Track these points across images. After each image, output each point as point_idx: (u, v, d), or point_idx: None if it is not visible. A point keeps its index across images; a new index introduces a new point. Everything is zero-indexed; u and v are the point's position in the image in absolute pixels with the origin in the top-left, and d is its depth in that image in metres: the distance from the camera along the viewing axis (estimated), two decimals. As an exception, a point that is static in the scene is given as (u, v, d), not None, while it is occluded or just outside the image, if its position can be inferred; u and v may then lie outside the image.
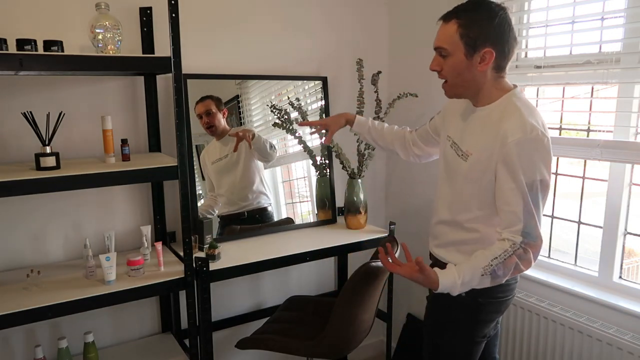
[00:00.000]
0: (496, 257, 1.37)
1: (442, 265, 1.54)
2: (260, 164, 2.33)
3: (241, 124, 2.30)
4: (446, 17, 1.43)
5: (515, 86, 1.48)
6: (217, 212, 2.24)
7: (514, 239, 1.37)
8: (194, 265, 1.85)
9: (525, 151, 1.35)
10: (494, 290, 1.48)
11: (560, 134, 2.09)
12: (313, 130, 2.14)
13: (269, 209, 2.37)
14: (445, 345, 1.61)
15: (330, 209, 2.51)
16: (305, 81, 2.45)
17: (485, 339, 1.60)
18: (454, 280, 1.40)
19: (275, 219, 2.39)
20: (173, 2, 1.65)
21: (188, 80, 2.10)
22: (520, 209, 1.36)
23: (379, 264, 1.81)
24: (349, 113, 1.99)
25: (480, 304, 1.51)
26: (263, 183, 2.35)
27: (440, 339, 1.63)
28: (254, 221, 2.32)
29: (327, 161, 2.48)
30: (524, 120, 1.36)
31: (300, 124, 2.22)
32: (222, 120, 2.23)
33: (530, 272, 2.12)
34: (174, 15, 1.66)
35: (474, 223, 1.51)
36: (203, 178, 2.22)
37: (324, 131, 2.07)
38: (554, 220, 2.16)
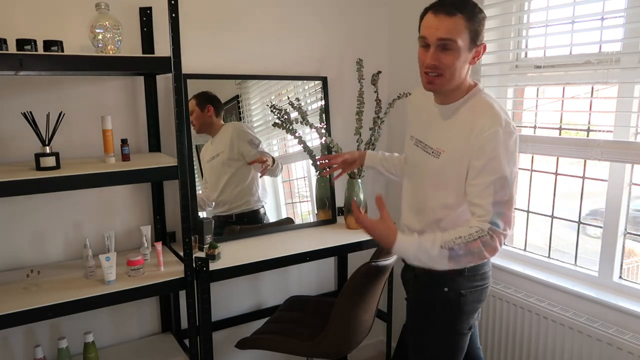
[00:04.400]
0: (460, 237, 1.38)
1: (416, 268, 1.54)
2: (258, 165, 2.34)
3: (241, 124, 2.30)
4: (449, 11, 1.38)
5: (476, 83, 1.51)
6: (209, 208, 2.24)
7: (481, 226, 1.38)
8: (194, 265, 1.85)
9: (499, 145, 1.38)
10: (472, 280, 1.53)
11: (560, 134, 2.09)
12: (324, 165, 2.03)
13: (261, 211, 2.35)
14: (433, 343, 1.61)
15: (330, 209, 2.51)
16: (305, 81, 2.45)
17: (470, 330, 1.61)
18: (412, 240, 1.42)
19: (275, 219, 2.39)
20: (173, 2, 1.65)
21: (188, 80, 2.10)
22: (490, 201, 1.38)
23: (379, 263, 1.81)
24: (359, 151, 2.01)
25: (462, 296, 1.53)
26: (256, 184, 2.34)
27: (428, 337, 1.62)
28: (244, 224, 2.30)
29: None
30: (499, 115, 1.40)
31: (320, 159, 2.08)
32: (203, 118, 2.20)
33: (530, 271, 2.13)
34: (174, 15, 1.66)
35: (439, 219, 1.53)
36: (203, 177, 2.22)
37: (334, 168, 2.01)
38: (554, 220, 2.16)
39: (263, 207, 2.36)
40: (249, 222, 2.32)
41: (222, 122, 2.25)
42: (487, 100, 1.45)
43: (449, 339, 1.59)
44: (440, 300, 1.55)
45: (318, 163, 2.09)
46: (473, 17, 1.40)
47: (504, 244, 1.46)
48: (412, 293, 1.68)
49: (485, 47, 1.45)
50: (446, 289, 1.52)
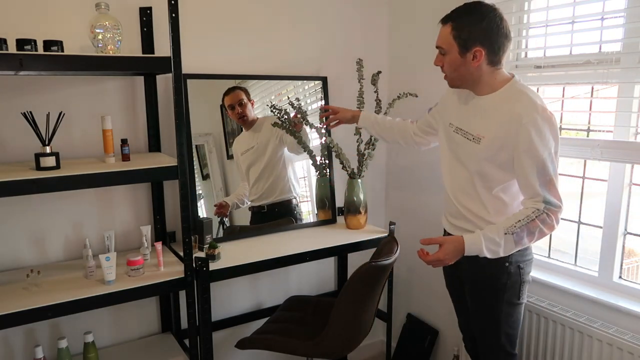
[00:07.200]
0: (519, 221, 1.55)
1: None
2: (289, 155, 2.38)
3: (241, 124, 2.30)
4: (444, 20, 1.62)
5: (513, 75, 1.65)
6: (248, 202, 2.30)
7: (536, 206, 1.54)
8: (194, 265, 1.85)
9: (539, 129, 1.52)
10: (524, 253, 1.68)
11: (560, 134, 2.09)
12: (324, 113, 2.29)
13: (293, 201, 2.40)
14: (506, 317, 1.72)
15: (330, 209, 2.51)
16: (305, 81, 2.45)
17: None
18: (477, 236, 1.57)
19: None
20: (173, 2, 1.65)
21: (188, 80, 2.11)
22: (537, 183, 1.53)
23: (379, 263, 1.81)
24: (356, 109, 2.23)
25: (521, 268, 1.68)
26: (290, 175, 2.38)
27: (499, 312, 1.71)
28: (275, 214, 2.35)
29: (327, 161, 2.48)
30: (534, 102, 1.54)
31: (323, 107, 2.34)
32: (252, 110, 2.29)
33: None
34: (174, 15, 1.66)
35: (488, 199, 1.66)
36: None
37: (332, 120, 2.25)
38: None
39: (295, 198, 2.40)
40: (281, 213, 2.37)
41: (256, 116, 2.32)
42: (521, 90, 1.59)
43: (517, 310, 1.73)
44: (505, 274, 1.66)
45: (320, 114, 2.34)
46: (462, 25, 1.56)
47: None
48: (471, 275, 1.76)
49: (480, 51, 1.55)
50: (507, 264, 1.65)
